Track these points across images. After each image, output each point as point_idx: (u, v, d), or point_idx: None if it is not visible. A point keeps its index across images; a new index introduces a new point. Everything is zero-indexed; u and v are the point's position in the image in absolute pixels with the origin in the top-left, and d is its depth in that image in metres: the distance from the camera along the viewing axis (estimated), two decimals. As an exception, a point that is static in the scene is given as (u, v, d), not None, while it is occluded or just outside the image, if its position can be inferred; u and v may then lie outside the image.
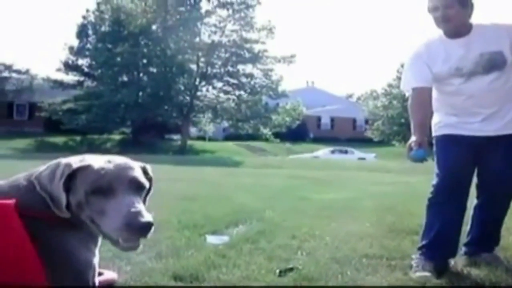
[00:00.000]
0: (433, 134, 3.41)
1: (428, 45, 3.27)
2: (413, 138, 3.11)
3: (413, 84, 3.27)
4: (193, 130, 42.82)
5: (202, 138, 43.61)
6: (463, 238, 3.42)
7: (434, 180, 3.29)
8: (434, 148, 3.37)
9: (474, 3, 3.16)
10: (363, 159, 34.20)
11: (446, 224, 3.22)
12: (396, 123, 41.72)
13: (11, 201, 1.68)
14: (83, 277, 1.84)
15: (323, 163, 25.20)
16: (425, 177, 8.61)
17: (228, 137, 45.85)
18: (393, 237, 4.14)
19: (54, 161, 1.90)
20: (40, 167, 1.91)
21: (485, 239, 3.40)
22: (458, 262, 3.31)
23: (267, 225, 4.76)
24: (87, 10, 39.60)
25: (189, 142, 38.59)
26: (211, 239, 4.03)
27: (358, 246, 3.80)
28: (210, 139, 43.80)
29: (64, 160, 1.86)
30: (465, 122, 3.22)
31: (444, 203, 3.23)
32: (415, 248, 3.36)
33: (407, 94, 3.38)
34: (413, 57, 3.31)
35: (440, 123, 3.35)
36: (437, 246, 3.19)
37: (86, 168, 1.81)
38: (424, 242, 3.26)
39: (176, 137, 40.12)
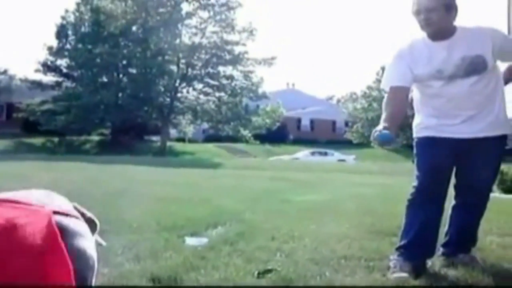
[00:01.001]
0: (414, 135, 3.44)
1: (412, 46, 3.29)
2: (381, 124, 3.07)
3: (392, 83, 3.28)
4: (173, 132, 42.68)
5: (182, 139, 43.48)
6: (441, 239, 3.45)
7: (414, 182, 3.31)
8: (415, 150, 3.40)
9: (458, 6, 3.18)
10: (343, 161, 34.38)
11: (425, 225, 3.24)
12: (375, 125, 41.45)
13: (48, 208, 1.64)
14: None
15: (303, 165, 25.28)
16: (405, 179, 8.68)
17: (208, 139, 45.76)
18: (372, 239, 4.16)
19: None
20: None
21: (462, 240, 3.44)
22: (435, 262, 3.33)
23: (247, 227, 4.76)
24: (67, 11, 39.30)
25: (169, 143, 38.45)
26: (190, 241, 4.01)
27: (337, 247, 3.81)
28: (190, 141, 43.68)
29: None
30: (445, 124, 3.24)
31: (423, 204, 3.25)
32: (394, 249, 3.37)
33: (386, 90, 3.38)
34: (396, 56, 3.33)
35: (421, 125, 3.38)
36: (416, 247, 3.21)
37: None
38: (402, 243, 3.28)
39: (155, 138, 39.95)
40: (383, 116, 3.18)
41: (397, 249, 3.30)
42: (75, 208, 1.82)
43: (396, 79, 3.27)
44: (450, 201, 3.43)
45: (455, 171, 3.34)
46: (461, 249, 3.41)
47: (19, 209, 1.58)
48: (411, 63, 3.24)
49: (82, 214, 1.83)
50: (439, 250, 3.44)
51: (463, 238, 3.45)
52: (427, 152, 3.30)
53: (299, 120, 56.12)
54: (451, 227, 3.48)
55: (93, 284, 1.79)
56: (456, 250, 3.40)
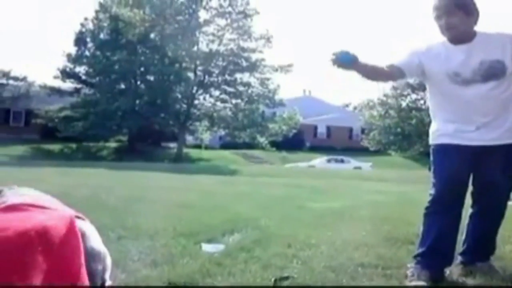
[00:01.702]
0: (430, 142, 3.41)
1: (430, 46, 3.30)
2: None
3: (394, 63, 3.28)
4: (189, 138, 42.81)
5: (198, 146, 43.59)
6: (459, 247, 3.42)
7: (432, 190, 3.29)
8: (431, 157, 3.38)
9: (479, 11, 3.17)
10: (359, 168, 34.22)
11: (443, 233, 3.22)
12: (392, 133, 41.69)
13: (70, 213, 1.70)
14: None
15: (319, 172, 25.22)
16: (421, 186, 8.62)
17: (225, 146, 45.81)
18: (389, 246, 4.14)
19: None
20: None
21: (480, 248, 3.40)
22: (453, 271, 3.30)
23: (263, 233, 4.75)
24: (86, 18, 39.65)
25: (186, 150, 38.58)
26: (207, 247, 4.01)
27: (354, 255, 3.79)
28: (207, 147, 43.76)
29: None
30: (461, 131, 3.21)
31: (441, 212, 3.23)
32: (411, 257, 3.35)
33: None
34: (411, 49, 3.33)
35: (437, 132, 3.35)
36: (433, 255, 3.19)
37: None
38: (420, 251, 3.26)
39: (172, 145, 40.10)
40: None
41: (415, 257, 3.28)
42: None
43: (399, 61, 3.28)
44: (467, 209, 3.40)
45: (472, 178, 3.31)
46: (479, 258, 3.37)
47: (46, 214, 1.67)
48: (425, 59, 3.23)
49: None
50: (457, 258, 3.41)
51: (481, 246, 3.41)
52: (444, 160, 3.27)
53: (315, 127, 55.99)
54: (468, 235, 3.44)
55: (108, 284, 1.84)
56: (474, 258, 3.37)
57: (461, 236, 3.42)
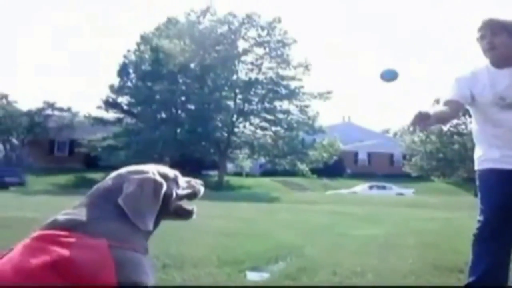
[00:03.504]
0: (476, 167, 3.35)
1: (474, 72, 3.26)
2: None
3: (447, 97, 3.24)
4: (230, 166, 42.96)
5: (239, 174, 43.69)
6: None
7: (480, 216, 3.22)
8: (477, 183, 3.31)
9: None
10: (402, 194, 33.68)
11: (494, 261, 3.13)
12: (434, 158, 41.04)
13: (104, 241, 1.57)
14: None
15: (361, 199, 24.92)
16: (467, 213, 8.44)
17: (265, 173, 45.78)
18: (437, 275, 4.05)
19: (116, 177, 1.82)
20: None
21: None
22: (507, 301, 3.20)
23: (307, 261, 4.71)
24: (128, 50, 40.60)
25: (226, 177, 38.70)
26: (252, 276, 4.00)
27: (403, 283, 3.72)
28: (247, 175, 43.83)
29: (136, 176, 1.78)
30: (507, 155, 3.16)
31: (490, 239, 3.15)
32: (462, 285, 3.27)
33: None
34: (457, 78, 3.30)
35: (483, 157, 3.30)
36: (485, 284, 3.10)
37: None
38: (471, 280, 3.18)
39: (213, 173, 40.30)
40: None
41: (466, 286, 3.19)
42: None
43: (451, 95, 3.23)
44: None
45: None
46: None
47: (73, 243, 1.55)
48: (473, 86, 3.20)
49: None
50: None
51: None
52: (491, 185, 3.21)
53: (356, 154, 55.56)
54: (522, 264, 3.34)
55: None
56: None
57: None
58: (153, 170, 1.84)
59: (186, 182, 1.99)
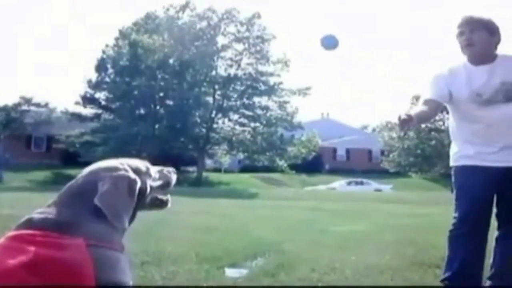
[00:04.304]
0: (451, 164, 3.40)
1: (452, 69, 3.30)
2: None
3: (426, 97, 3.28)
4: (208, 162, 42.90)
5: (217, 170, 43.64)
6: (487, 271, 3.36)
7: (455, 212, 3.26)
8: (453, 179, 3.35)
9: (501, 35, 3.18)
10: (380, 190, 33.94)
11: (469, 256, 3.18)
12: (412, 154, 41.47)
13: (81, 240, 1.55)
14: None
15: (339, 195, 25.05)
16: (444, 208, 8.52)
17: (244, 169, 45.80)
18: (414, 270, 4.09)
19: (88, 174, 1.77)
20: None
21: (508, 272, 3.34)
22: (482, 295, 3.25)
23: (286, 257, 4.72)
24: (106, 45, 40.23)
25: (205, 174, 38.63)
26: (230, 272, 4.00)
27: (380, 279, 3.75)
28: (226, 171, 43.80)
29: (110, 173, 1.74)
30: (483, 152, 3.21)
31: (466, 235, 3.20)
32: (438, 281, 3.30)
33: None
34: (435, 76, 3.34)
35: (458, 153, 3.34)
36: (460, 279, 3.15)
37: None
38: (447, 275, 3.22)
39: (191, 169, 40.20)
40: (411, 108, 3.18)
41: (442, 281, 3.23)
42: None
43: (430, 94, 3.27)
44: (494, 232, 3.35)
45: (496, 200, 3.28)
46: (508, 282, 3.31)
47: (50, 243, 1.53)
48: (451, 84, 3.23)
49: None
50: (486, 282, 3.35)
51: (509, 270, 3.35)
52: (466, 182, 3.25)
53: (334, 150, 55.80)
54: (496, 258, 3.39)
55: None
56: (503, 282, 3.31)
57: (489, 259, 3.37)
58: (125, 165, 1.82)
59: (158, 172, 1.97)
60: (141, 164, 1.91)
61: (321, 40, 3.07)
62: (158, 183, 1.95)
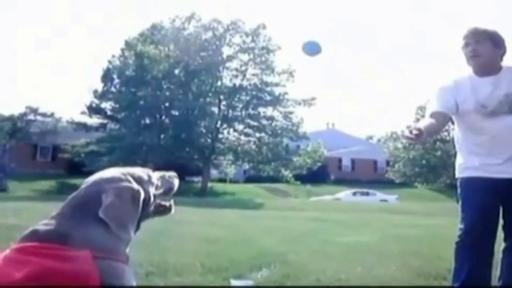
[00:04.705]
0: (457, 175, 3.38)
1: (457, 81, 3.30)
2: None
3: (433, 109, 3.27)
4: (214, 172, 42.89)
5: (223, 180, 43.62)
6: (494, 282, 3.33)
7: (461, 224, 3.24)
8: (458, 191, 3.34)
9: (506, 48, 3.18)
10: (385, 201, 33.82)
11: (476, 268, 3.16)
12: (417, 165, 41.38)
13: (87, 252, 1.54)
14: None
15: (344, 205, 24.97)
16: (450, 220, 8.48)
17: (249, 179, 45.78)
18: (421, 282, 4.07)
19: (91, 185, 1.76)
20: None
21: (516, 284, 3.32)
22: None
23: (292, 268, 4.70)
24: (113, 56, 40.46)
25: (210, 184, 38.61)
26: (235, 283, 3.99)
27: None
28: (231, 181, 43.77)
29: (113, 185, 1.73)
30: (488, 163, 3.20)
31: (472, 247, 3.17)
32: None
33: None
34: (440, 88, 3.33)
35: (463, 165, 3.33)
36: (468, 290, 3.12)
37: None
38: (454, 286, 3.19)
39: (197, 179, 40.21)
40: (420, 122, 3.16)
41: (449, 293, 3.21)
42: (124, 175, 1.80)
43: (437, 106, 3.26)
44: (500, 243, 3.33)
45: (502, 212, 3.26)
46: (516, 294, 3.29)
47: (56, 255, 1.52)
48: (456, 96, 3.23)
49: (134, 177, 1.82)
50: (493, 294, 3.33)
51: (517, 282, 3.33)
52: (472, 193, 3.24)
53: (340, 160, 55.74)
54: (503, 271, 3.36)
55: None
56: (511, 294, 3.28)
57: (496, 271, 3.34)
58: (128, 176, 1.81)
59: (160, 178, 1.97)
60: (143, 172, 1.90)
61: (302, 45, 3.06)
62: (161, 190, 1.94)
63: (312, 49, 3.05)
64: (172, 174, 2.04)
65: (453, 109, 3.25)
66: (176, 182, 2.03)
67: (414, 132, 2.88)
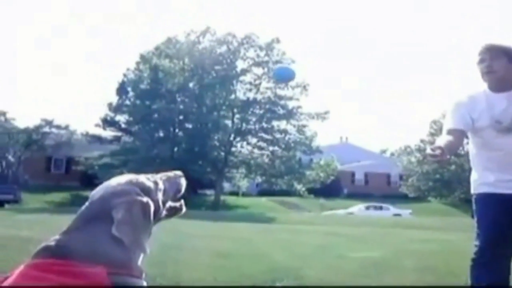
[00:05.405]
0: (472, 191, 3.36)
1: (471, 96, 3.28)
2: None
3: (450, 126, 3.24)
4: (226, 185, 42.87)
5: (235, 193, 43.59)
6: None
7: (476, 241, 3.21)
8: (474, 207, 3.31)
9: None
10: (399, 215, 33.59)
11: (493, 284, 3.12)
12: (431, 179, 41.06)
13: (101, 268, 1.53)
14: None
15: (358, 220, 24.84)
16: (464, 234, 8.40)
17: (262, 193, 45.70)
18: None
19: (99, 200, 1.74)
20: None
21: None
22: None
23: (305, 283, 4.68)
24: (128, 69, 40.81)
25: (223, 197, 38.59)
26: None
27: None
28: (244, 195, 43.72)
29: (121, 199, 1.70)
30: (503, 180, 3.17)
31: (489, 263, 3.14)
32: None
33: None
34: (455, 103, 3.31)
35: (478, 181, 3.30)
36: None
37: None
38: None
39: (209, 192, 40.22)
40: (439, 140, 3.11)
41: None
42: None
43: (454, 123, 3.24)
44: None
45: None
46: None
47: (70, 272, 1.51)
48: (472, 111, 3.21)
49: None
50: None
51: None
52: (487, 210, 3.21)
53: (353, 174, 55.55)
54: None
55: None
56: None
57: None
58: (135, 188, 1.80)
59: (166, 180, 1.94)
60: (150, 182, 1.88)
61: (274, 71, 3.01)
62: (169, 194, 1.93)
63: (283, 74, 2.99)
64: (178, 173, 2.01)
65: (469, 125, 3.24)
66: (183, 181, 2.01)
67: (438, 151, 2.86)
